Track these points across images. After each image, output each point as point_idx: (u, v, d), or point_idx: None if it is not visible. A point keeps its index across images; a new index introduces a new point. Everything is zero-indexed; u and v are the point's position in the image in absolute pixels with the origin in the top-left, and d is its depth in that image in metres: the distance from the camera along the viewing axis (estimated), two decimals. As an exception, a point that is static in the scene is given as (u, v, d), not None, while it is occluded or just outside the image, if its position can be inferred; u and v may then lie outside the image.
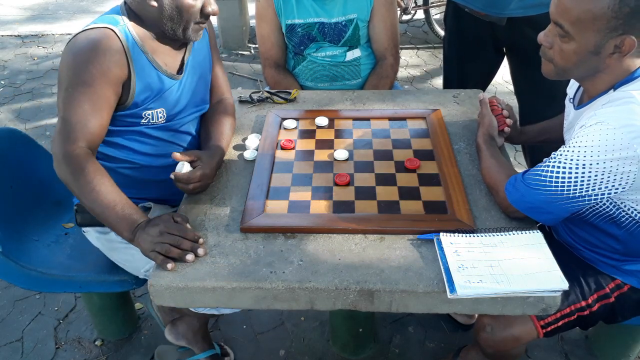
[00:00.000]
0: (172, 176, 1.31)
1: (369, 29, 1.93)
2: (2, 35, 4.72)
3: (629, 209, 1.17)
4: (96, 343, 1.92)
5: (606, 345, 1.79)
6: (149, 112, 1.36)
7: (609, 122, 1.05)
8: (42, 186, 1.75)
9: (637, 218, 1.18)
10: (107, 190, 1.23)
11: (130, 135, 1.40)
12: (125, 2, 1.34)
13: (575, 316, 1.31)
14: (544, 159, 1.16)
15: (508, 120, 1.45)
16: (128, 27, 1.30)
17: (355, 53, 1.94)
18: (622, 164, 1.05)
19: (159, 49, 1.36)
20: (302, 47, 1.92)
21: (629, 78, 1.11)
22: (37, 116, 3.45)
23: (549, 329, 1.31)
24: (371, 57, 2.00)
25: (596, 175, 1.08)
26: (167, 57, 1.39)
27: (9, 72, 4.05)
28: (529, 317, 1.31)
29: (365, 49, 1.97)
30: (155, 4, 1.26)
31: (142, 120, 1.37)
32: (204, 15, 1.32)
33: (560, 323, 1.31)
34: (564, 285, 1.05)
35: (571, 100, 1.31)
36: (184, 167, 1.32)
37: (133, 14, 1.33)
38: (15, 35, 4.72)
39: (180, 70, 1.42)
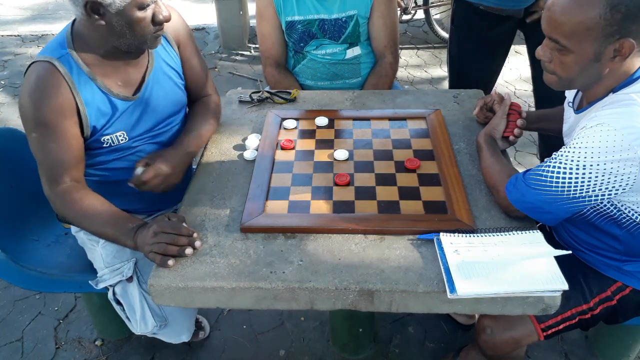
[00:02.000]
0: (130, 184, 1.32)
1: (369, 26, 1.93)
2: (2, 35, 4.72)
3: (628, 211, 1.17)
4: (96, 343, 1.92)
5: (606, 345, 1.79)
6: (107, 137, 1.35)
7: (610, 124, 1.05)
8: (42, 186, 1.74)
9: (637, 220, 1.18)
10: (99, 212, 1.26)
11: (98, 157, 1.39)
12: (72, 25, 1.30)
13: (577, 319, 1.31)
14: (545, 159, 1.16)
15: (517, 131, 1.42)
16: (72, 56, 1.27)
17: (356, 51, 1.94)
18: (622, 166, 1.05)
19: (111, 71, 1.32)
20: (302, 44, 1.92)
21: (629, 80, 1.11)
22: (37, 116, 3.45)
23: (549, 332, 1.31)
24: (371, 56, 2.00)
25: (596, 177, 1.08)
26: (123, 76, 1.35)
27: (9, 72, 4.05)
28: (529, 320, 1.30)
29: (366, 47, 1.97)
30: (103, 22, 1.21)
31: (104, 145, 1.36)
32: (157, 23, 1.27)
33: (561, 326, 1.31)
34: (564, 285, 1.05)
35: (570, 104, 1.31)
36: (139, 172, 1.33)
37: (80, 38, 1.28)
38: (15, 35, 4.72)
39: (138, 89, 1.38)
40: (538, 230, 1.18)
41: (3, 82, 3.90)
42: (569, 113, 1.32)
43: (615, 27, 1.02)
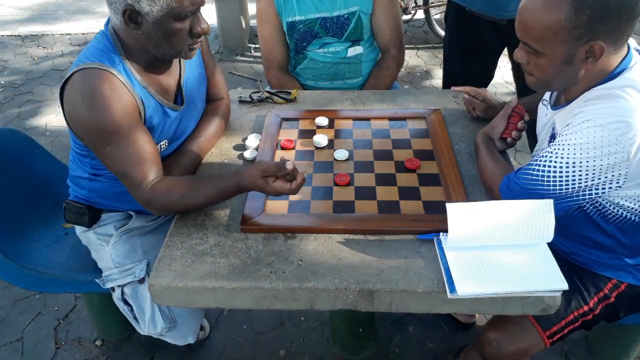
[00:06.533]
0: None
1: (372, 23, 1.92)
2: (2, 35, 4.72)
3: (614, 208, 1.18)
4: (96, 343, 1.92)
5: (606, 345, 1.79)
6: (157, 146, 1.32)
7: (597, 120, 1.05)
8: (42, 186, 1.75)
9: (623, 215, 1.18)
10: (198, 183, 1.24)
11: None
12: (114, 31, 1.25)
13: (580, 321, 1.31)
14: (534, 157, 1.16)
15: (515, 133, 1.41)
16: (126, 64, 1.24)
17: (357, 49, 1.93)
18: (612, 161, 1.05)
19: (154, 80, 1.30)
20: (304, 44, 1.91)
21: (608, 77, 1.11)
22: (37, 116, 3.45)
23: (555, 337, 1.31)
24: (373, 55, 2.00)
25: (587, 174, 1.08)
26: (162, 85, 1.33)
27: (9, 72, 4.05)
28: (534, 329, 1.30)
29: (367, 47, 1.96)
30: (140, 31, 1.19)
31: None
32: (194, 35, 1.23)
33: (565, 331, 1.31)
34: (564, 285, 1.05)
35: (545, 102, 1.31)
36: None
37: (125, 46, 1.25)
38: (15, 35, 4.72)
39: (177, 98, 1.38)
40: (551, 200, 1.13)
41: (3, 82, 3.90)
42: (543, 111, 1.32)
43: (582, 29, 1.03)
